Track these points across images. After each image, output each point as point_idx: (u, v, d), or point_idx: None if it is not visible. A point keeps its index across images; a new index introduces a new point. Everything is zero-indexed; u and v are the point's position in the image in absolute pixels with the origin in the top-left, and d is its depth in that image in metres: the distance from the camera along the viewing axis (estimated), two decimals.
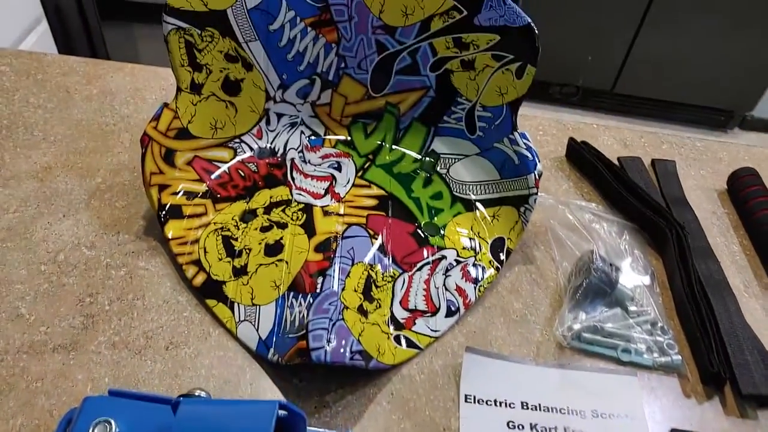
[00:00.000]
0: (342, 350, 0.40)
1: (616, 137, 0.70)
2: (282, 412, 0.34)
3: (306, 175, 0.57)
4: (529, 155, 0.53)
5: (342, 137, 0.61)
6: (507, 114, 0.54)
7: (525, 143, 0.53)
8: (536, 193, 0.53)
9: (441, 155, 0.59)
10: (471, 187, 0.57)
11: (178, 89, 0.53)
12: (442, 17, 0.54)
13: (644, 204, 0.58)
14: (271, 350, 0.44)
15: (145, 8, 2.15)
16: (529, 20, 0.51)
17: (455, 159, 0.59)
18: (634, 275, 0.54)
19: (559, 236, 0.56)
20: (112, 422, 0.37)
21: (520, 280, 0.55)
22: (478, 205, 0.56)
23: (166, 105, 0.53)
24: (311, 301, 0.46)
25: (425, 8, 0.53)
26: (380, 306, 0.47)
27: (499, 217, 0.55)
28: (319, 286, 0.47)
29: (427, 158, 0.60)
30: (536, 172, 0.53)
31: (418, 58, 0.56)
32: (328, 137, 0.61)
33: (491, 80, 0.55)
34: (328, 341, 0.41)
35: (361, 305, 0.46)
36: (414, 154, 0.60)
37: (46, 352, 0.45)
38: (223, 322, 0.47)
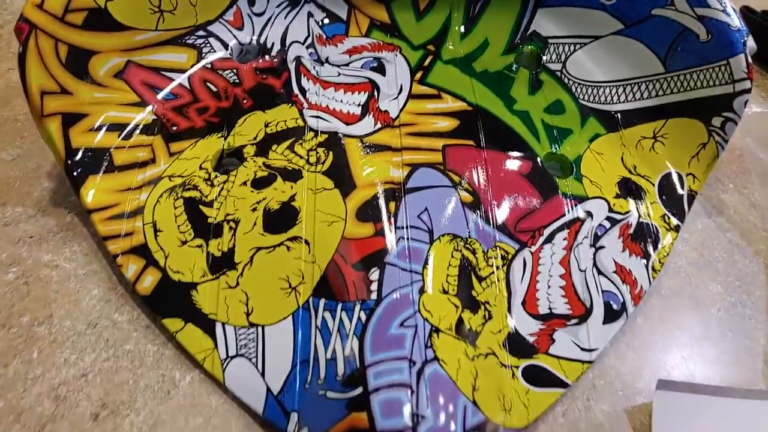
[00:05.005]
0: (449, 429, 0.22)
1: None
2: None
3: (325, 84, 0.37)
4: (730, 21, 0.33)
5: (378, 20, 0.40)
6: None
7: (720, 1, 0.33)
8: (749, 89, 0.33)
9: (550, 40, 0.39)
10: (610, 89, 0.38)
11: None
12: None
13: None
14: (293, 418, 0.26)
15: None
16: None
17: (576, 45, 0.39)
18: None
19: (760, 159, 0.37)
20: None
21: (710, 245, 0.36)
22: (629, 117, 0.37)
23: None
24: (363, 317, 0.27)
25: None
26: (490, 316, 0.28)
27: (668, 138, 0.36)
28: (374, 286, 0.28)
29: (527, 46, 0.40)
30: (748, 50, 0.33)
31: None
32: (354, 21, 0.40)
33: None
34: (418, 417, 0.22)
35: (460, 320, 0.27)
36: (503, 41, 0.40)
37: None
38: (197, 359, 0.28)
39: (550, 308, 0.30)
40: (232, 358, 0.28)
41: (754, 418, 0.29)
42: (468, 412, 0.23)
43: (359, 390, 0.24)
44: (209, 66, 0.38)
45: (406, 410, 0.23)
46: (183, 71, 0.37)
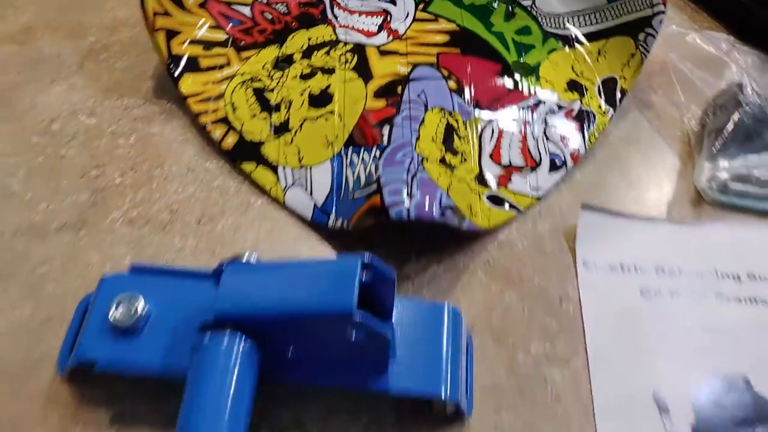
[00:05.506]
0: (429, 205, 0.35)
1: None
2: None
3: (351, 11, 0.51)
4: None
5: None
6: None
7: None
8: (663, 12, 0.46)
9: None
10: (567, 19, 0.51)
11: None
12: None
13: None
14: (332, 216, 0.40)
15: None
16: None
17: None
18: None
19: (684, 74, 0.50)
20: (140, 298, 0.33)
21: (637, 128, 0.49)
22: (580, 39, 0.50)
23: None
24: (378, 154, 0.41)
25: None
26: (466, 160, 0.42)
27: (608, 53, 0.49)
28: (385, 137, 0.42)
29: None
30: None
31: None
32: None
33: None
34: (410, 195, 0.36)
35: (444, 158, 0.41)
36: None
37: (49, 233, 0.41)
38: (266, 189, 0.42)
39: (509, 160, 0.44)
40: (290, 187, 0.42)
41: (654, 237, 0.42)
42: (443, 198, 0.37)
43: (375, 186, 0.38)
44: (264, 1, 0.52)
45: (404, 192, 0.36)
46: (246, 5, 0.51)
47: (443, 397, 0.32)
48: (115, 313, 0.33)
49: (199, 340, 0.30)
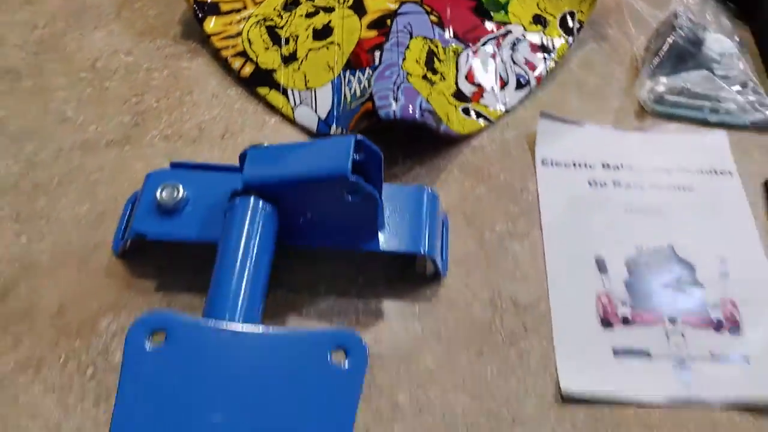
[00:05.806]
0: (411, 108, 0.44)
1: None
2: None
3: None
4: None
5: None
6: None
7: None
8: None
9: None
10: None
11: None
12: None
13: None
14: (333, 126, 0.48)
15: None
16: None
17: None
18: (720, 40, 0.55)
19: (636, 9, 0.58)
20: (180, 186, 0.41)
21: (593, 56, 0.57)
22: None
23: None
24: (371, 73, 0.49)
25: None
26: (444, 79, 0.50)
27: None
28: (377, 59, 0.50)
29: None
30: None
31: None
32: None
33: None
34: (396, 99, 0.44)
35: (425, 75, 0.49)
36: None
37: (99, 148, 0.50)
38: (278, 109, 0.50)
39: (482, 81, 0.52)
40: (298, 106, 0.51)
41: (602, 140, 0.50)
42: (423, 103, 0.45)
43: (368, 95, 0.46)
44: None
45: (391, 98, 0.45)
46: None
47: (422, 252, 0.40)
48: (161, 195, 0.41)
49: (230, 205, 0.38)
